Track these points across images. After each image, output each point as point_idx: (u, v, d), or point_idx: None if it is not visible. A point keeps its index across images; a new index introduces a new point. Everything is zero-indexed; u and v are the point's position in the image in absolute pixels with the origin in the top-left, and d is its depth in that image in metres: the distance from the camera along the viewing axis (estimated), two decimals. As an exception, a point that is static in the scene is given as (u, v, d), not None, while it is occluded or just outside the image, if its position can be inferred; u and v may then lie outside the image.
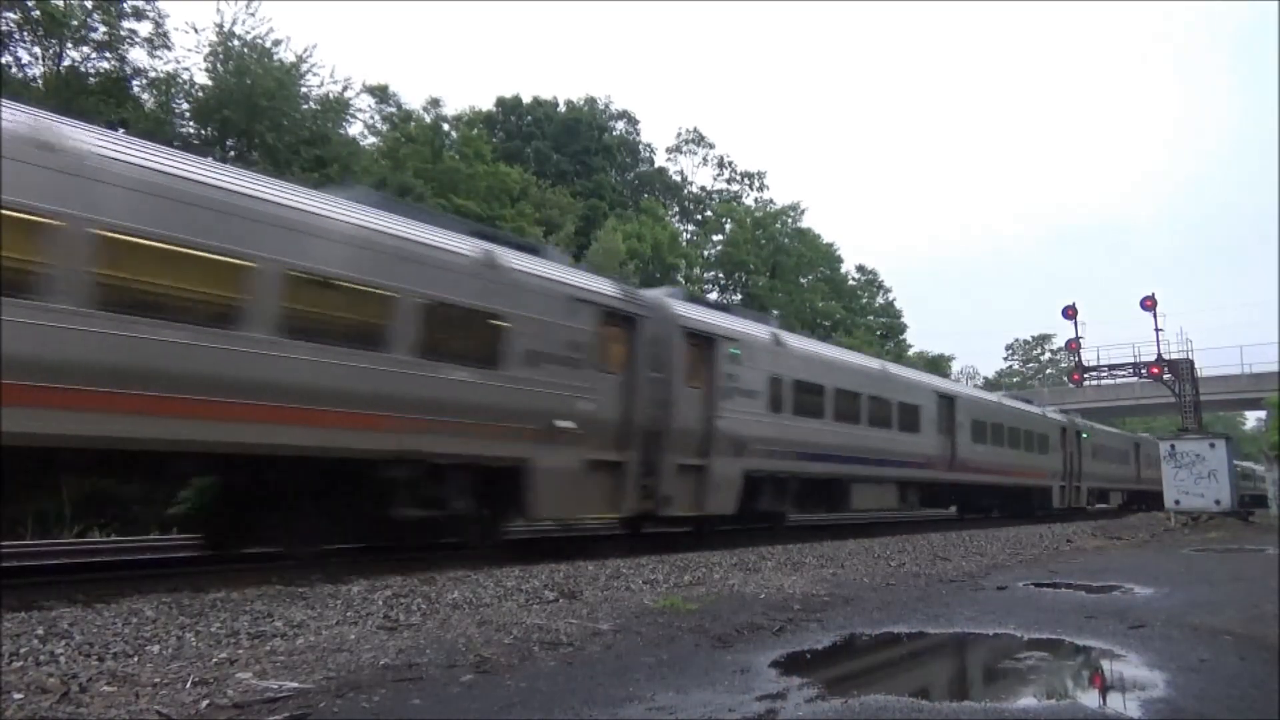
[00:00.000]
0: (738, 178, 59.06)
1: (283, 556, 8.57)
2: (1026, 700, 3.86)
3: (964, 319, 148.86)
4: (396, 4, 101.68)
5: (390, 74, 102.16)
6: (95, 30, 22.54)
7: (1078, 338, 25.80)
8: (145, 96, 24.40)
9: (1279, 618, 5.63)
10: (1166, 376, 25.22)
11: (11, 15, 20.99)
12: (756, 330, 14.43)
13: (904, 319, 62.20)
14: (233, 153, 24.57)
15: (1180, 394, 25.27)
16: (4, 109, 6.27)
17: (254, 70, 24.19)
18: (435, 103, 35.96)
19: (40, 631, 4.66)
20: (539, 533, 14.66)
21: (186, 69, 24.58)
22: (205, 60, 24.55)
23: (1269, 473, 27.55)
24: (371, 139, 33.77)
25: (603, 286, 11.56)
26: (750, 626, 5.24)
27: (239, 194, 7.43)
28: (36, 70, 22.19)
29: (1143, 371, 25.94)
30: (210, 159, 10.63)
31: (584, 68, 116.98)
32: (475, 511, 9.59)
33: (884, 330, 58.91)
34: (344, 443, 7.99)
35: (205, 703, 3.32)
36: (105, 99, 22.41)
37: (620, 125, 54.58)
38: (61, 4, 21.71)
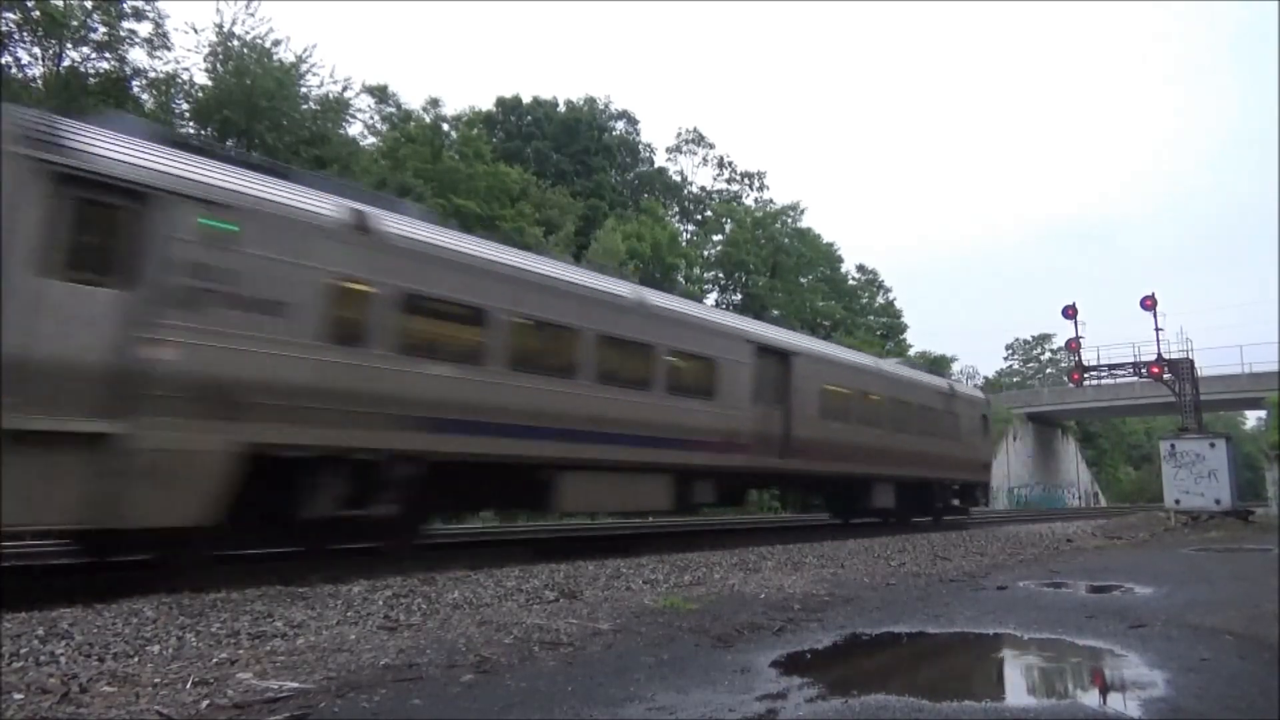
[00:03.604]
0: (738, 178, 59.07)
1: (283, 557, 8.60)
2: (1027, 700, 3.86)
3: (964, 319, 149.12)
4: (396, 4, 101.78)
5: (390, 74, 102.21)
6: (95, 30, 22.54)
7: (1078, 337, 25.78)
8: (145, 97, 24.40)
9: (1279, 617, 5.63)
10: (1166, 376, 25.20)
11: (11, 15, 20.98)
12: None
13: (904, 319, 62.24)
14: (232, 153, 24.53)
15: (1180, 394, 25.26)
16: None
17: (254, 70, 24.19)
18: (435, 103, 35.97)
19: (40, 632, 4.66)
20: (541, 533, 14.66)
21: (186, 69, 24.61)
22: (205, 60, 24.59)
23: (1269, 472, 27.53)
24: (371, 139, 33.80)
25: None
26: (750, 626, 5.24)
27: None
28: (36, 70, 22.21)
29: (1143, 371, 25.91)
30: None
31: (584, 68, 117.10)
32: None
33: (884, 330, 58.89)
34: None
35: (205, 703, 3.32)
36: (105, 99, 22.40)
37: (620, 125, 54.56)
38: (61, 4, 21.70)
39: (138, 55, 23.76)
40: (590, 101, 52.45)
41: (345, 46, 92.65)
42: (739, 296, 50.07)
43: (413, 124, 34.39)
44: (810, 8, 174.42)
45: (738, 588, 7.22)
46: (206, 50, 24.56)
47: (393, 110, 35.61)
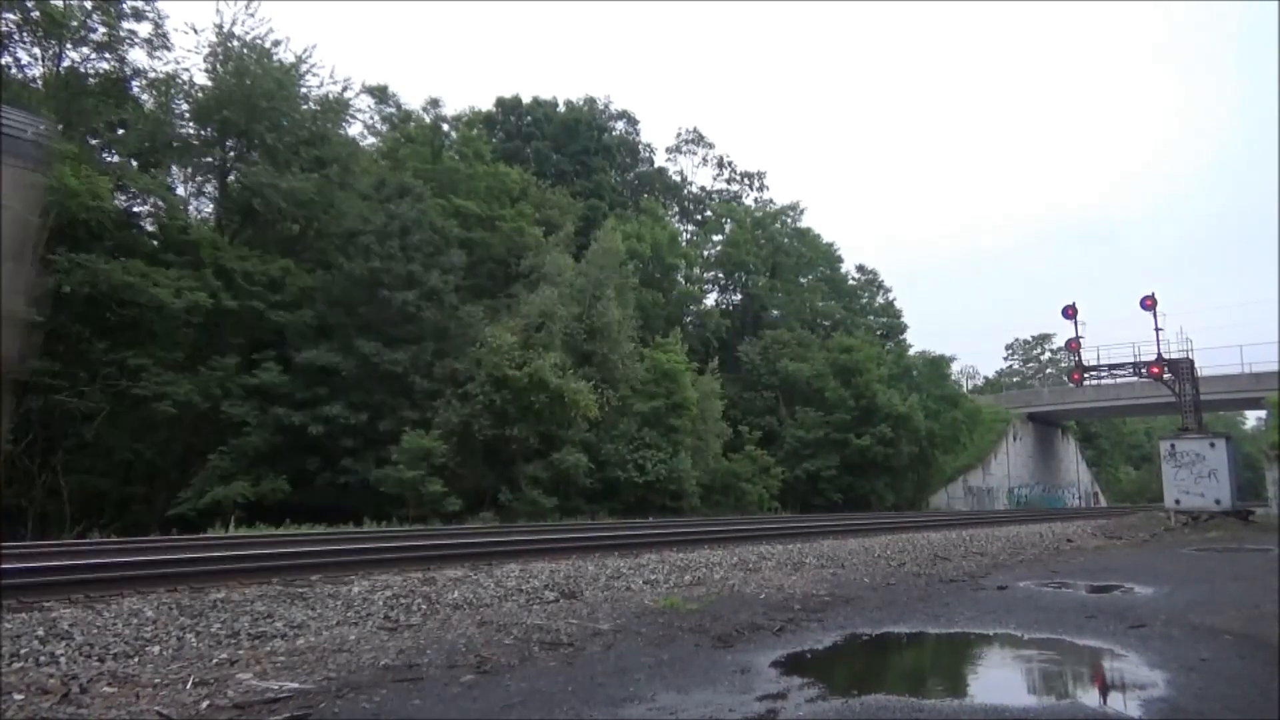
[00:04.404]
0: (737, 178, 59.08)
1: (282, 556, 8.60)
2: (1027, 700, 3.86)
3: (964, 319, 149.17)
4: (396, 4, 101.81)
5: (390, 74, 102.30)
6: (95, 31, 22.56)
7: (1078, 337, 25.73)
8: (145, 97, 24.43)
9: (1279, 617, 5.63)
10: (1166, 376, 25.17)
11: (11, 16, 21.00)
12: None
13: (904, 319, 62.20)
14: (232, 153, 24.58)
15: (1180, 394, 25.23)
16: None
17: (253, 71, 24.22)
18: (435, 103, 35.97)
19: (40, 632, 4.66)
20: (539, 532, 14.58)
21: (186, 69, 24.68)
22: (205, 61, 24.64)
23: (1269, 472, 27.50)
24: (371, 139, 33.81)
25: None
26: (751, 626, 5.24)
27: None
28: (36, 71, 22.22)
29: (1143, 371, 25.86)
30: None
31: (584, 68, 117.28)
32: None
33: (884, 330, 58.87)
34: None
35: (206, 703, 3.32)
36: (105, 99, 22.44)
37: (620, 125, 54.54)
38: (61, 4, 21.72)
39: (138, 55, 23.83)
40: (590, 102, 52.44)
41: (345, 46, 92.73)
42: (739, 296, 50.08)
43: (412, 124, 34.40)
44: (810, 7, 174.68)
45: (738, 588, 7.22)
46: (206, 50, 24.64)
47: (392, 110, 35.61)
